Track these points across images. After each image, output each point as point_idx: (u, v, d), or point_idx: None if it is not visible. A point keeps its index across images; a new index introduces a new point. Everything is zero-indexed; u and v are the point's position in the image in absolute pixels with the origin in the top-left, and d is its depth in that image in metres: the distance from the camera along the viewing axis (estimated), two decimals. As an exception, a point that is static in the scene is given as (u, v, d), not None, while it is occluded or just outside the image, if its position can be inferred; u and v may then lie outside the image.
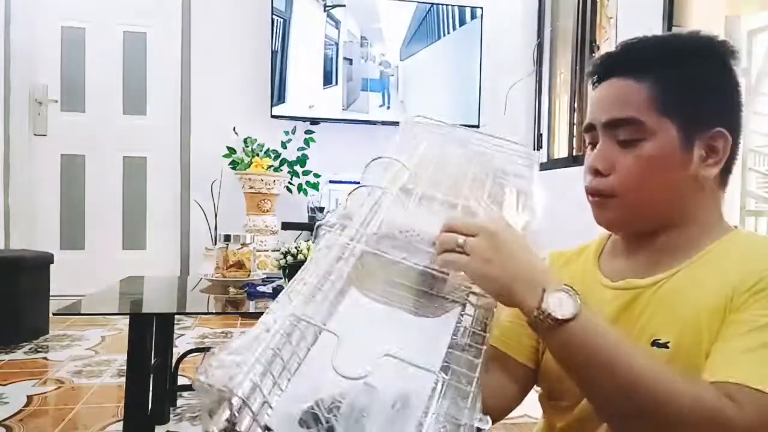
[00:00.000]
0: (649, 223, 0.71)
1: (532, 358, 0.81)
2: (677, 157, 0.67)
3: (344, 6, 3.91)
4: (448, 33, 4.02)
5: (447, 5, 3.99)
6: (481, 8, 4.01)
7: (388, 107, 4.01)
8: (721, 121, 0.68)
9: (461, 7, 4.00)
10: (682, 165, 0.68)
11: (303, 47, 3.86)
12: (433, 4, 3.97)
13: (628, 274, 0.73)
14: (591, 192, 0.72)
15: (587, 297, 0.73)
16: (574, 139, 3.57)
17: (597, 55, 3.43)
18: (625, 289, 0.72)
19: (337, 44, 3.93)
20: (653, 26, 2.57)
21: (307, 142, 3.81)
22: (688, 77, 0.68)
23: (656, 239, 0.72)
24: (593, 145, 0.73)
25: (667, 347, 0.65)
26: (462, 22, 4.02)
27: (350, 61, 3.98)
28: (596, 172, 0.70)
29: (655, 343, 0.66)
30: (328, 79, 3.95)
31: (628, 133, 0.68)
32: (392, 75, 4.01)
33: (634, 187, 0.68)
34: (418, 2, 3.95)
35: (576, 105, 3.56)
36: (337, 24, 3.93)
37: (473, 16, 4.01)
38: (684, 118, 0.67)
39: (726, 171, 0.71)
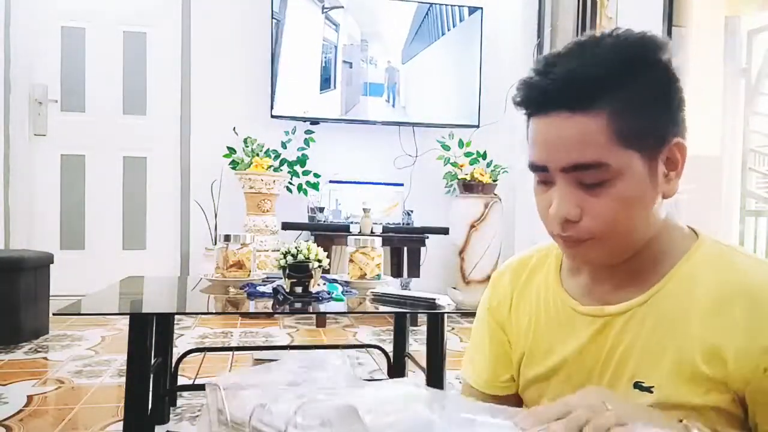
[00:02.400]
0: (628, 254, 0.66)
1: (514, 389, 0.82)
2: (647, 186, 0.62)
3: (342, 7, 3.89)
4: (448, 32, 4.02)
5: (447, 5, 3.98)
6: (481, 8, 4.01)
7: (393, 105, 3.99)
8: (676, 130, 0.63)
9: (461, 8, 4.00)
10: (653, 191, 0.63)
11: (299, 50, 3.83)
12: (432, 4, 3.97)
13: (595, 295, 0.70)
14: (566, 240, 0.65)
15: (556, 322, 0.72)
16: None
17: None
18: (596, 316, 0.68)
19: (335, 47, 3.90)
20: (653, 26, 2.57)
21: (307, 142, 3.81)
22: (639, 97, 0.60)
23: (625, 263, 0.67)
24: (545, 183, 0.65)
25: (651, 392, 0.62)
26: (462, 22, 4.01)
27: (350, 64, 3.95)
28: (566, 221, 0.63)
29: (637, 386, 0.63)
30: (325, 84, 3.90)
31: (594, 177, 0.60)
32: (393, 77, 3.99)
33: (611, 229, 0.62)
34: (418, 2, 3.95)
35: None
36: (336, 27, 3.90)
37: (473, 17, 4.01)
38: (646, 144, 0.60)
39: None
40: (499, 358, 0.82)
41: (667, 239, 0.67)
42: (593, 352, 0.68)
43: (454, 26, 4.01)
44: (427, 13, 3.98)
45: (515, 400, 0.81)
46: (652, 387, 0.62)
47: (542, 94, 0.61)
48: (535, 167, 0.65)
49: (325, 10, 3.85)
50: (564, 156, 0.60)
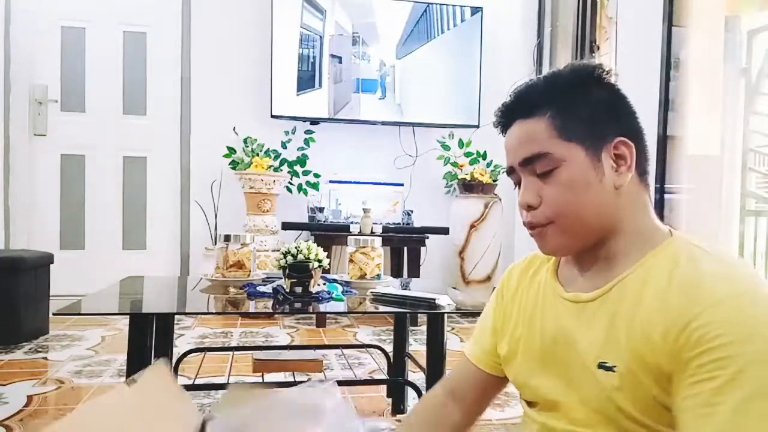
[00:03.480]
0: (587, 239, 0.75)
1: (499, 369, 0.91)
2: (591, 174, 0.73)
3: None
4: (447, 32, 4.02)
5: (447, 5, 3.98)
6: (481, 8, 4.01)
7: (386, 101, 3.95)
8: (620, 131, 0.75)
9: (461, 8, 4.00)
10: (598, 179, 0.73)
11: (282, 43, 3.72)
12: (432, 4, 3.97)
13: (578, 284, 0.78)
14: (529, 226, 0.77)
15: (547, 308, 0.81)
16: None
17: (597, 55, 3.43)
18: (574, 302, 0.77)
19: (321, 38, 3.73)
20: (653, 26, 2.57)
21: (307, 142, 3.81)
22: (578, 102, 0.75)
23: (597, 251, 0.76)
24: (519, 184, 0.79)
25: (614, 371, 0.68)
26: (462, 22, 4.01)
27: (339, 59, 3.84)
28: (528, 207, 0.76)
29: (601, 366, 0.70)
30: (306, 82, 3.74)
31: (543, 166, 0.74)
32: (388, 75, 3.97)
33: (564, 212, 0.74)
34: (417, 2, 3.95)
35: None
36: (322, 14, 3.69)
37: (473, 17, 4.01)
38: (586, 138, 0.73)
39: (642, 173, 0.77)
40: (493, 333, 0.92)
41: (639, 235, 0.74)
42: (574, 336, 0.75)
43: (454, 26, 4.01)
44: (425, 11, 3.96)
45: (501, 384, 0.93)
46: (615, 366, 0.68)
47: (505, 111, 0.80)
48: (507, 172, 0.81)
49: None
50: (520, 152, 0.76)
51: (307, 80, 3.80)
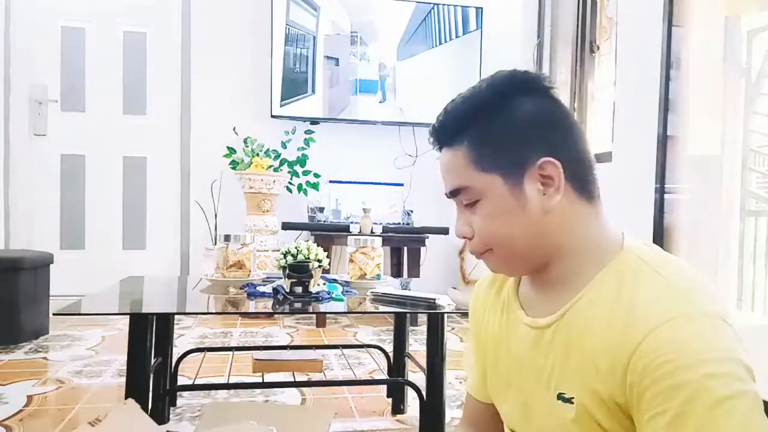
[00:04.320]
0: (530, 263, 0.72)
1: None
2: (512, 203, 0.69)
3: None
4: (448, 32, 4.02)
5: (447, 5, 3.98)
6: (481, 8, 4.01)
7: (386, 102, 3.95)
8: (542, 150, 0.69)
9: (461, 7, 4.00)
10: (521, 207, 0.69)
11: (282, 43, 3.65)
12: (432, 4, 3.96)
13: (536, 307, 0.75)
14: (471, 253, 0.76)
15: (510, 331, 0.78)
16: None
17: (597, 55, 3.43)
18: (532, 327, 0.73)
19: (314, 38, 3.59)
20: (653, 26, 2.57)
21: (307, 142, 3.81)
22: (496, 125, 0.70)
23: (547, 274, 0.73)
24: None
25: (572, 403, 0.66)
26: (462, 22, 4.01)
27: (336, 60, 3.74)
28: (464, 237, 0.74)
29: (560, 397, 0.67)
30: (298, 87, 3.55)
31: (466, 198, 0.72)
32: (389, 76, 3.96)
33: (494, 242, 0.71)
34: (417, 2, 3.95)
35: (576, 105, 3.56)
36: (315, 10, 3.53)
37: (473, 17, 4.01)
38: (504, 166, 0.69)
39: (582, 186, 0.71)
40: (477, 359, 0.89)
41: (584, 253, 0.70)
42: (532, 362, 0.73)
43: (454, 26, 4.01)
44: (428, 14, 3.96)
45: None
46: (573, 398, 0.66)
47: (431, 136, 0.76)
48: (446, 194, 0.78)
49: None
50: (447, 184, 0.75)
51: (299, 84, 3.73)
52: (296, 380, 1.98)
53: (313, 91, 3.75)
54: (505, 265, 0.74)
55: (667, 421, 0.56)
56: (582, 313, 0.67)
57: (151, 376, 1.50)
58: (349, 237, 1.88)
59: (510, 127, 0.70)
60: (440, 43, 4.01)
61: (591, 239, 0.70)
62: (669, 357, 0.57)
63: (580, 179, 0.70)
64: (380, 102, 3.92)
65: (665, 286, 0.63)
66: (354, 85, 3.88)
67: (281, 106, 3.76)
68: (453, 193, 0.74)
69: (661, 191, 2.54)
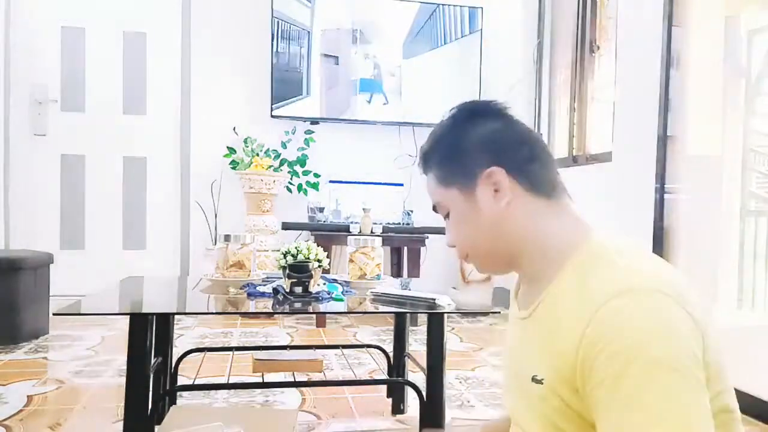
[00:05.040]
0: (503, 260, 0.81)
1: None
2: (469, 210, 0.79)
3: None
4: (448, 32, 4.01)
5: (447, 5, 3.98)
6: (481, 8, 4.01)
7: (388, 104, 3.96)
8: (489, 162, 0.78)
9: (461, 8, 4.00)
10: (476, 213, 0.79)
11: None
12: (432, 4, 3.96)
13: (524, 302, 0.81)
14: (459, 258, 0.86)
15: (511, 326, 0.86)
16: (574, 139, 3.57)
17: (597, 55, 3.43)
18: (520, 319, 0.80)
19: (309, 33, 3.48)
20: (653, 26, 2.57)
21: (307, 142, 3.81)
22: (451, 149, 0.81)
23: (523, 268, 0.81)
24: None
25: (542, 383, 0.70)
26: (462, 22, 4.01)
27: (335, 59, 3.70)
28: (451, 246, 0.85)
29: (533, 379, 0.71)
30: (289, 89, 3.41)
31: (442, 212, 0.84)
32: (393, 75, 3.95)
33: (467, 247, 0.82)
34: (420, 2, 3.95)
35: (576, 105, 3.56)
36: (310, 1, 3.42)
37: (473, 17, 4.01)
38: (455, 181, 0.80)
39: (534, 183, 0.77)
40: None
41: (548, 250, 0.75)
42: (519, 352, 0.79)
43: (454, 26, 4.01)
44: (432, 14, 3.96)
45: None
46: (543, 379, 0.70)
47: (419, 166, 0.88)
48: None
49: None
50: (431, 201, 0.86)
51: (291, 86, 3.68)
52: (296, 380, 1.98)
53: (308, 93, 3.72)
54: (483, 265, 0.84)
55: (607, 386, 0.59)
56: (550, 301, 0.73)
57: (151, 376, 1.50)
58: (349, 237, 1.88)
59: (458, 147, 0.81)
60: (441, 44, 4.00)
61: (553, 232, 0.76)
62: (613, 329, 0.60)
63: (533, 180, 0.77)
64: (384, 104, 3.91)
65: (618, 269, 0.67)
66: (354, 85, 3.88)
67: (273, 109, 3.75)
68: (434, 209, 0.86)
69: (661, 191, 2.54)
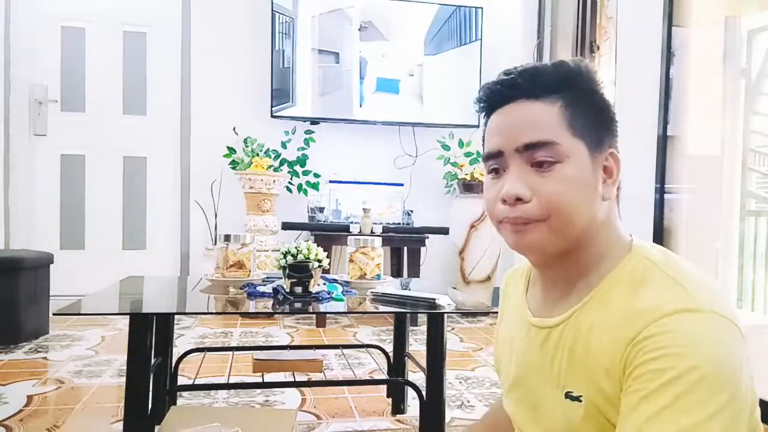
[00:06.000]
0: (567, 244, 0.69)
1: None
2: (591, 177, 0.68)
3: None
4: (449, 33, 4.01)
5: (447, 5, 3.98)
6: (481, 8, 4.01)
7: (400, 101, 3.96)
8: (611, 141, 0.71)
9: (461, 8, 4.00)
10: (595, 185, 0.68)
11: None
12: (432, 4, 3.96)
13: (543, 308, 0.75)
14: (514, 221, 0.69)
15: (520, 333, 0.78)
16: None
17: (597, 55, 3.43)
18: (540, 328, 0.74)
19: (293, 20, 3.55)
20: (653, 26, 2.57)
21: (307, 142, 3.81)
22: (588, 101, 0.70)
23: (564, 262, 0.71)
24: (496, 171, 0.72)
25: (580, 401, 0.66)
26: (462, 22, 4.01)
27: (336, 55, 3.73)
28: (517, 200, 0.68)
29: (568, 396, 0.67)
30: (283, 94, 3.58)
31: (545, 156, 0.67)
32: (412, 74, 3.94)
33: (560, 210, 0.67)
34: (418, 2, 3.95)
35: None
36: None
37: (473, 17, 4.01)
38: (590, 140, 0.69)
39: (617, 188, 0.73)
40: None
41: (606, 249, 0.70)
42: (540, 363, 0.73)
43: (454, 26, 4.01)
44: (434, 15, 3.96)
45: None
46: (581, 396, 0.66)
47: (510, 87, 0.70)
48: (490, 155, 0.72)
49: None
50: (520, 135, 0.68)
51: (290, 86, 3.74)
52: (296, 380, 1.98)
53: (293, 101, 3.74)
54: (546, 238, 0.68)
55: (641, 396, 0.57)
56: (590, 313, 0.67)
57: (151, 376, 1.50)
58: (349, 237, 1.88)
59: (595, 107, 0.70)
60: (440, 43, 4.00)
61: (613, 237, 0.71)
62: (665, 343, 0.57)
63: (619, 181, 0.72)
64: (398, 102, 3.92)
65: (672, 285, 0.63)
66: (355, 84, 3.89)
67: (273, 109, 3.75)
68: (528, 147, 0.67)
69: (661, 191, 2.54)
